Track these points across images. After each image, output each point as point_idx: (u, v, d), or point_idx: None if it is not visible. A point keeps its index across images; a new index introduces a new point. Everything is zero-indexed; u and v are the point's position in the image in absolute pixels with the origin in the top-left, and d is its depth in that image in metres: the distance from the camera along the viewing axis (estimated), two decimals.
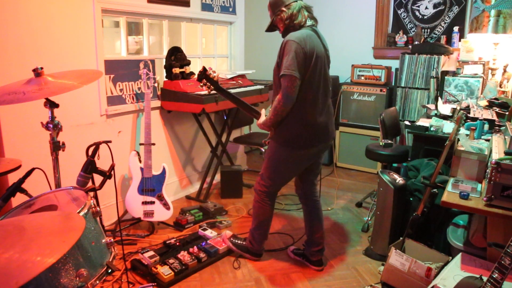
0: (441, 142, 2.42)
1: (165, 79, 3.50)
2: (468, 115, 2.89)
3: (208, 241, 2.83)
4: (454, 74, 3.74)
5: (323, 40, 2.36)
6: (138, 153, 3.09)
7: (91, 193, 1.66)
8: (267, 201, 2.58)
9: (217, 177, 3.93)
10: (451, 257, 2.17)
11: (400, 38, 4.41)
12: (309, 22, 2.32)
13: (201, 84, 2.48)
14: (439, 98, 3.44)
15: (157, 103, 3.51)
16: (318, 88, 2.30)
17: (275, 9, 2.32)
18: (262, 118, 2.41)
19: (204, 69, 2.45)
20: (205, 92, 3.32)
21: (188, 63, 3.57)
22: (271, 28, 2.43)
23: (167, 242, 2.80)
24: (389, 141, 3.34)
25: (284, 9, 2.28)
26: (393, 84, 4.40)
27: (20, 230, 1.12)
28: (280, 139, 2.38)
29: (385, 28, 4.53)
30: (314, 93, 2.29)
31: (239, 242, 2.78)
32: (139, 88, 3.36)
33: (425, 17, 4.32)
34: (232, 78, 3.88)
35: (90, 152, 1.87)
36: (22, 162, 1.97)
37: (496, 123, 2.66)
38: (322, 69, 2.30)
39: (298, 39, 2.18)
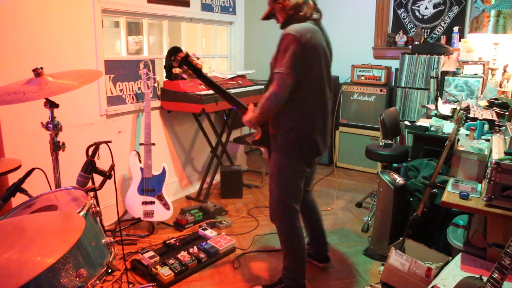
0: (441, 142, 2.42)
1: (165, 79, 3.50)
2: (468, 115, 2.89)
3: (208, 241, 2.83)
4: (454, 74, 3.74)
5: (327, 37, 2.13)
6: (138, 153, 3.09)
7: (91, 193, 1.66)
8: (292, 222, 2.23)
9: (217, 177, 3.93)
10: (451, 257, 2.17)
11: (400, 38, 4.41)
12: (314, 15, 2.06)
13: (182, 70, 2.23)
14: (439, 98, 3.44)
15: (157, 103, 3.51)
16: (322, 89, 2.09)
17: None
18: (249, 115, 2.15)
19: (187, 54, 2.16)
20: (205, 92, 3.33)
21: None
22: (268, 16, 2.15)
23: (167, 242, 2.80)
24: (389, 141, 3.34)
25: None
26: (393, 84, 4.40)
27: (20, 230, 1.12)
28: (287, 150, 2.10)
29: (385, 28, 4.53)
30: (319, 94, 2.08)
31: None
32: (139, 88, 3.36)
33: (425, 17, 4.32)
34: (232, 78, 3.88)
35: (90, 152, 1.87)
36: (22, 162, 1.97)
37: (496, 123, 2.66)
38: (324, 68, 2.08)
39: (300, 34, 1.92)
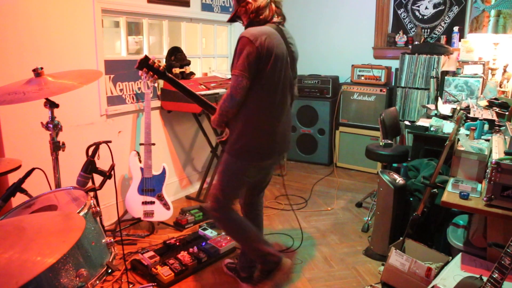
0: (441, 142, 2.42)
1: None
2: (468, 115, 2.89)
3: (208, 241, 2.83)
4: (454, 74, 3.74)
5: (289, 39, 2.11)
6: (138, 153, 3.09)
7: (91, 193, 1.67)
8: (229, 215, 2.23)
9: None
10: (451, 257, 2.17)
11: (400, 38, 4.41)
12: (275, 19, 2.06)
13: (141, 73, 2.22)
14: (439, 98, 3.44)
15: (157, 103, 3.51)
16: (275, 93, 2.04)
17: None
18: (214, 115, 2.14)
19: (146, 57, 2.14)
20: (205, 92, 3.33)
21: (188, 63, 3.57)
22: (233, 19, 2.15)
23: (167, 242, 2.80)
24: (389, 141, 3.34)
25: (250, 0, 2.01)
26: (393, 84, 4.40)
27: (20, 230, 1.12)
28: (234, 150, 2.11)
29: (385, 28, 4.53)
30: (271, 98, 2.04)
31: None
32: (139, 88, 3.36)
33: (425, 17, 4.32)
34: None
35: (90, 152, 1.88)
36: (22, 162, 1.97)
37: (496, 123, 2.66)
38: (282, 71, 2.04)
39: (254, 37, 1.92)
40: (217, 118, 2.08)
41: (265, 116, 2.06)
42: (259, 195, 2.48)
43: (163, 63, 2.01)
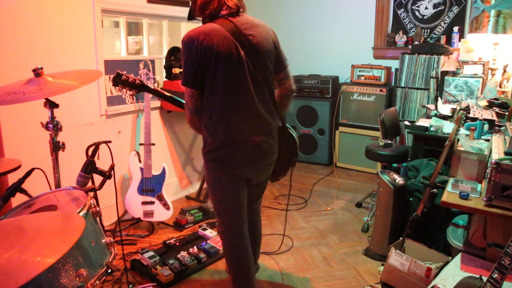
0: (441, 142, 2.42)
1: (165, 79, 3.50)
2: (468, 115, 2.89)
3: (208, 241, 2.83)
4: (454, 74, 3.74)
5: (244, 30, 1.80)
6: (138, 153, 3.09)
7: (91, 193, 1.66)
8: (230, 241, 2.07)
9: None
10: (451, 257, 2.17)
11: (400, 38, 4.41)
12: (223, 11, 1.81)
13: (118, 89, 2.16)
14: (439, 98, 3.44)
15: (157, 103, 3.51)
16: (231, 94, 1.81)
17: None
18: None
19: (118, 73, 2.05)
20: None
21: None
22: (191, 17, 1.97)
23: (167, 242, 2.80)
24: (389, 141, 3.34)
25: None
26: (393, 84, 4.40)
27: (20, 230, 1.12)
28: (207, 160, 1.95)
29: (385, 28, 4.53)
30: (227, 100, 1.81)
31: None
32: None
33: (425, 17, 4.32)
34: None
35: (90, 152, 1.87)
36: (22, 162, 1.97)
37: (496, 123, 2.66)
38: (232, 70, 1.78)
39: (190, 39, 1.74)
40: (190, 126, 1.96)
41: (218, 126, 1.84)
42: (253, 206, 2.22)
43: (137, 76, 1.97)
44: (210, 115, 1.84)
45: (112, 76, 2.08)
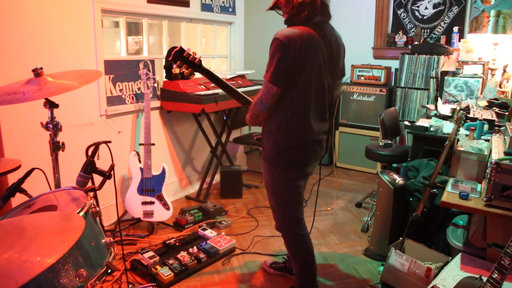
0: (441, 142, 2.42)
1: (165, 79, 3.50)
2: (468, 115, 2.89)
3: (208, 241, 2.83)
4: (454, 74, 3.75)
5: (333, 40, 1.96)
6: (138, 153, 3.09)
7: (91, 193, 1.66)
8: (294, 231, 2.17)
9: (217, 177, 3.93)
10: (450, 257, 2.17)
11: (400, 38, 4.41)
12: (316, 18, 1.87)
13: (176, 65, 2.06)
14: (439, 98, 3.44)
15: (156, 103, 3.51)
16: (309, 102, 1.91)
17: None
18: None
19: (181, 48, 2.00)
20: (205, 92, 3.34)
21: None
22: (273, 8, 1.97)
23: (167, 242, 2.80)
24: (389, 141, 3.34)
25: None
26: (392, 84, 4.40)
27: (20, 230, 1.12)
28: (273, 160, 2.01)
29: (385, 28, 4.53)
30: (305, 107, 1.91)
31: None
32: (138, 88, 3.36)
33: (425, 17, 4.32)
34: (231, 78, 3.89)
35: (89, 152, 1.87)
36: (22, 162, 1.97)
37: (495, 123, 2.66)
38: (317, 80, 1.90)
39: (288, 40, 1.77)
40: (249, 119, 2.01)
41: (297, 126, 1.93)
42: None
43: (198, 54, 1.90)
44: (290, 116, 1.91)
45: (173, 50, 1.99)
